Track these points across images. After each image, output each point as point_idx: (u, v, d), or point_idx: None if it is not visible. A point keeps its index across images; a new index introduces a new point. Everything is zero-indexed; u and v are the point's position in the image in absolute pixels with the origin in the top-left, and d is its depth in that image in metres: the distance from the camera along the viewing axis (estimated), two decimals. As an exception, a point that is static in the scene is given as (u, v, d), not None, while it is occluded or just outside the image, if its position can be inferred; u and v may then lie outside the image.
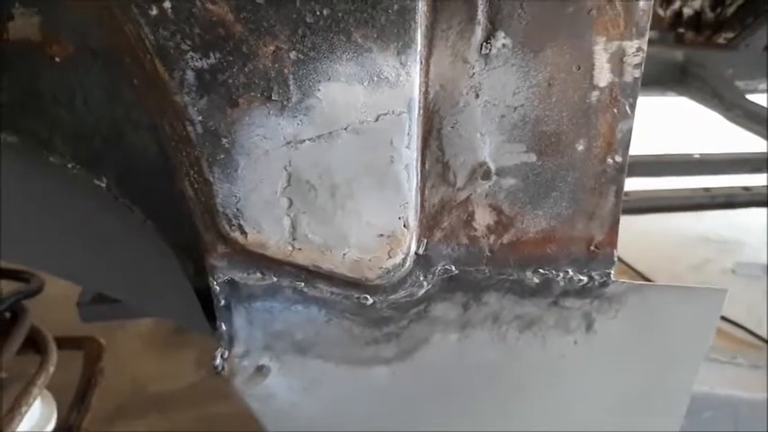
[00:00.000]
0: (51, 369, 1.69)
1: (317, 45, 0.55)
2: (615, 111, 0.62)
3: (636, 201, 2.15)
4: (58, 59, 0.71)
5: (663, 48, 3.71)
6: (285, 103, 0.57)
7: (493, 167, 0.63)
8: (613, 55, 0.60)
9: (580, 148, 0.63)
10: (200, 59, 0.55)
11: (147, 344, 2.43)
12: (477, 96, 0.61)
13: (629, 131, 0.63)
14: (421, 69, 0.58)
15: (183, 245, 0.79)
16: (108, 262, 0.91)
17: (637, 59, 0.60)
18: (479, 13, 0.57)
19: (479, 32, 0.58)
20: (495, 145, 0.63)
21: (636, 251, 3.33)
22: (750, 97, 3.40)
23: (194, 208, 0.64)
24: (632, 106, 0.62)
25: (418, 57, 0.57)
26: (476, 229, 0.66)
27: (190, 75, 0.55)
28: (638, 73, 0.61)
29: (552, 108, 0.61)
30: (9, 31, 0.70)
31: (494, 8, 0.57)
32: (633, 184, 2.47)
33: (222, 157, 0.59)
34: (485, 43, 0.58)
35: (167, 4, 0.53)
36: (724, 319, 2.78)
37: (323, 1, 0.54)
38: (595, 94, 0.61)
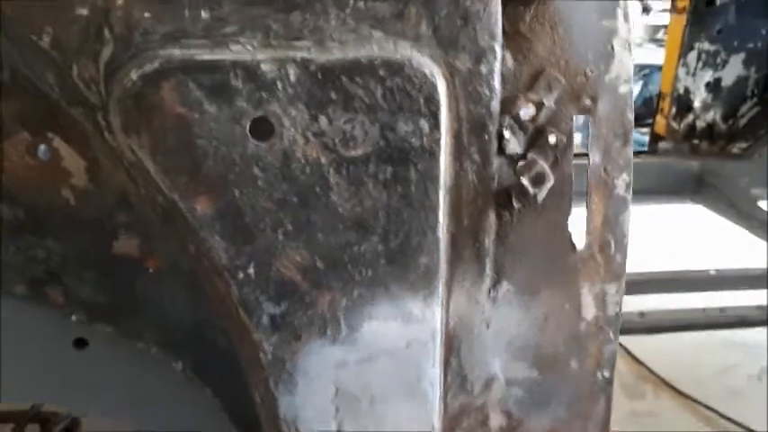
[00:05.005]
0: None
1: (363, 295, 0.72)
2: (601, 337, 0.77)
3: (652, 321, 2.25)
4: (151, 271, 0.89)
5: (679, 158, 3.87)
6: (336, 336, 0.73)
7: (503, 380, 0.78)
8: (597, 295, 0.75)
9: (574, 366, 0.77)
10: (274, 307, 0.72)
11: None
12: (488, 327, 0.76)
13: (614, 352, 0.77)
14: (442, 309, 0.74)
15: (244, 421, 0.94)
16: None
17: (617, 297, 0.76)
18: (487, 268, 0.74)
19: (488, 282, 0.74)
20: (504, 362, 0.78)
21: (659, 356, 3.36)
22: (764, 203, 3.50)
23: (260, 411, 0.79)
24: (615, 333, 0.77)
25: (440, 300, 0.73)
26: (490, 429, 0.80)
27: (265, 319, 0.72)
28: (618, 308, 0.76)
29: (549, 335, 0.76)
30: (114, 248, 0.88)
31: (498, 264, 0.74)
32: (650, 301, 2.57)
33: (285, 377, 0.75)
34: (492, 289, 0.75)
35: (251, 271, 0.71)
36: (747, 429, 2.78)
37: (367, 264, 0.71)
38: (583, 324, 0.76)
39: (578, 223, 0.74)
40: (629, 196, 0.72)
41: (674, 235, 4.53)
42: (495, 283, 0.74)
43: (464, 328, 0.76)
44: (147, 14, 0.63)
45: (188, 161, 0.66)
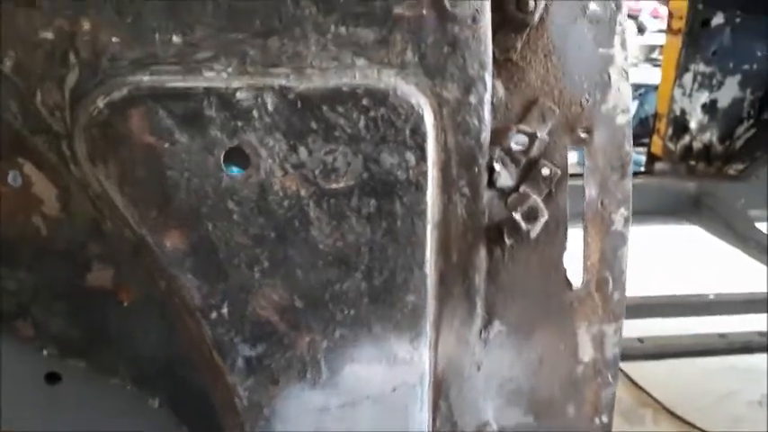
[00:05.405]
0: None
1: (345, 336, 0.67)
2: (599, 380, 0.72)
3: (651, 347, 2.20)
4: (125, 304, 0.84)
5: (675, 179, 3.84)
6: (316, 380, 0.69)
7: (495, 427, 0.73)
8: (594, 336, 0.71)
9: (570, 411, 0.73)
10: (250, 349, 0.67)
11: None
12: (479, 369, 0.72)
13: (613, 396, 0.73)
14: (430, 350, 0.69)
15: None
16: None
17: (616, 338, 0.71)
18: (478, 307, 0.69)
19: (478, 322, 0.70)
20: (497, 407, 0.73)
21: (659, 381, 3.29)
22: (763, 225, 3.46)
23: (236, 458, 0.74)
24: (614, 376, 0.72)
25: (428, 341, 0.69)
26: (481, 478, 0.75)
27: (240, 361, 0.67)
28: (617, 349, 0.71)
29: (544, 378, 0.72)
30: (87, 279, 0.84)
31: (489, 303, 0.69)
32: (646, 325, 2.51)
33: (262, 423, 0.70)
34: (483, 330, 0.70)
35: (225, 310, 0.66)
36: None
37: (350, 303, 0.67)
38: (580, 368, 0.71)
39: (574, 259, 0.70)
40: (628, 231, 0.68)
41: (671, 256, 4.48)
42: (487, 324, 0.70)
43: (453, 370, 0.72)
44: (115, 39, 0.59)
45: (158, 194, 0.62)
